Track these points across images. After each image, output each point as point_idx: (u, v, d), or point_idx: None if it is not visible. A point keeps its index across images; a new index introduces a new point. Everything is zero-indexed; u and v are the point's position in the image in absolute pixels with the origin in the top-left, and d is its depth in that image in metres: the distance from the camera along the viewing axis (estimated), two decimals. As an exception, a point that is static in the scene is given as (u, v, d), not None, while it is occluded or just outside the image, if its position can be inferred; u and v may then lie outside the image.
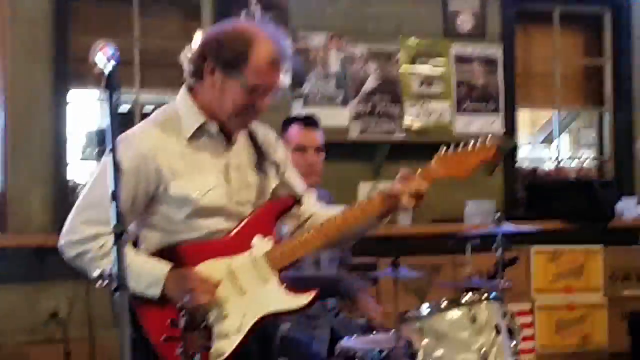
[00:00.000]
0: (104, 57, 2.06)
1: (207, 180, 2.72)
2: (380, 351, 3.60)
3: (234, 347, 2.67)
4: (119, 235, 1.89)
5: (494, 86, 6.02)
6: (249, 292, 2.72)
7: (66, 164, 5.12)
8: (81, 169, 5.76)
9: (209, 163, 2.75)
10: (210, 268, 2.71)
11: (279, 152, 2.97)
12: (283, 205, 2.88)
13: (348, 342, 3.75)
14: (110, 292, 1.87)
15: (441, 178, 2.88)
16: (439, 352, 3.34)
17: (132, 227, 2.79)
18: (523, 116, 7.89)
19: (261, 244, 2.77)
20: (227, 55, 2.66)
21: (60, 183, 5.05)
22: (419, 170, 2.84)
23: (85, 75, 5.20)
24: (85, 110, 5.72)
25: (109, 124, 2.00)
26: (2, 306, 4.77)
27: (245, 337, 2.69)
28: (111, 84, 2.03)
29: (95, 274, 2.00)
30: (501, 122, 6.02)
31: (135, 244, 2.79)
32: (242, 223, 2.79)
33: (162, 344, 2.51)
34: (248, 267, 2.75)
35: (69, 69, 5.10)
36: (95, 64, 2.10)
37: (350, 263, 4.26)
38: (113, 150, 1.97)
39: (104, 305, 2.22)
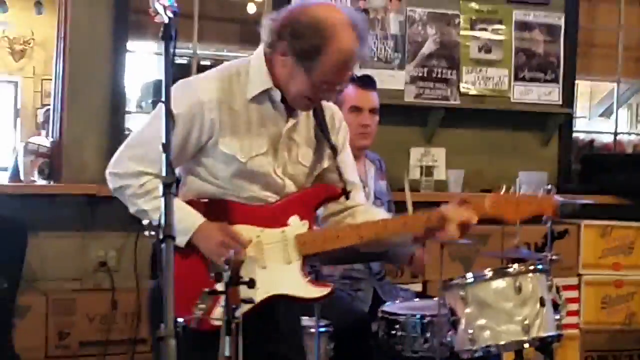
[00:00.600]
0: (161, 7, 2.06)
1: (256, 145, 2.71)
2: (422, 317, 3.60)
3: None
4: (168, 185, 1.89)
5: (554, 55, 5.91)
6: (269, 268, 2.71)
7: (123, 114, 5.14)
8: (137, 120, 5.81)
9: (264, 129, 2.73)
10: (240, 232, 2.71)
11: (340, 135, 2.93)
12: (330, 193, 2.85)
13: (390, 306, 3.76)
14: (155, 243, 1.87)
15: (490, 217, 2.82)
16: (481, 321, 3.34)
17: (177, 171, 2.79)
18: (583, 88, 7.79)
19: (296, 225, 2.76)
20: (300, 46, 2.61)
21: (116, 133, 5.07)
22: (472, 202, 2.78)
23: (145, 27, 5.23)
24: (143, 62, 5.76)
25: (165, 74, 2.01)
26: (52, 253, 4.83)
27: (250, 310, 2.67)
28: (168, 34, 2.03)
29: (144, 220, 2.00)
30: (559, 93, 5.93)
31: (176, 187, 2.77)
32: (284, 199, 2.78)
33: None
34: (276, 244, 2.74)
35: (129, 20, 5.11)
36: (154, 14, 2.09)
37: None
38: (166, 101, 1.97)
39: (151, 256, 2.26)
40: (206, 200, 2.74)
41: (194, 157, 2.73)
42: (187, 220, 2.66)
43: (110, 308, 4.76)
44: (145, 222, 1.95)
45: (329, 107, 2.89)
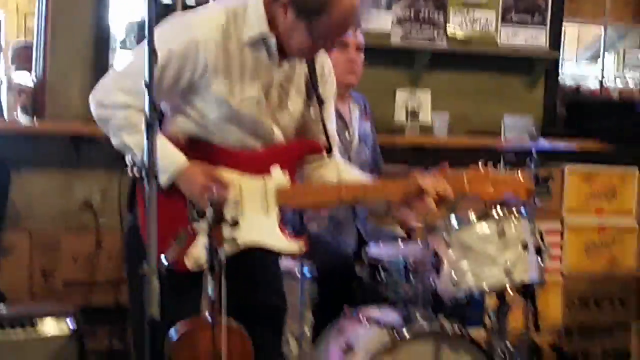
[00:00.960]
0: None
1: (247, 90, 2.69)
2: (406, 260, 3.62)
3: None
4: (151, 125, 1.88)
5: (542, -2, 5.88)
6: (246, 217, 2.68)
7: (107, 51, 5.08)
8: (121, 59, 5.75)
9: (256, 74, 2.71)
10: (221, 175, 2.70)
11: (328, 87, 2.92)
12: (313, 148, 2.86)
13: (374, 249, 3.77)
14: (133, 178, 1.86)
15: (465, 194, 2.88)
16: (464, 264, 3.36)
17: (165, 106, 2.78)
18: (569, 31, 7.75)
19: (278, 176, 2.75)
20: (304, 4, 2.58)
21: (101, 70, 4.99)
22: (451, 178, 2.81)
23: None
24: (129, 1, 5.67)
25: (147, 12, 1.98)
26: (36, 192, 4.81)
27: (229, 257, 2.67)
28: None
29: (127, 158, 1.98)
30: (546, 36, 5.89)
31: (160, 122, 2.75)
32: (269, 148, 2.77)
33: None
34: (256, 193, 2.73)
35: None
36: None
37: (382, 170, 4.25)
38: (150, 41, 1.95)
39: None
40: (189, 138, 2.72)
41: (184, 95, 2.71)
42: (170, 160, 2.63)
43: (94, 248, 4.75)
44: (127, 158, 1.94)
45: (319, 55, 2.87)
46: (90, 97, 2.74)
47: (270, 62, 2.72)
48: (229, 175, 2.70)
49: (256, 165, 2.75)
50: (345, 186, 2.80)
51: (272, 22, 2.67)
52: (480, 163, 2.91)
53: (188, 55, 2.61)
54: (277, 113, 2.79)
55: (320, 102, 2.84)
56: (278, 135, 2.80)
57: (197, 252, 2.58)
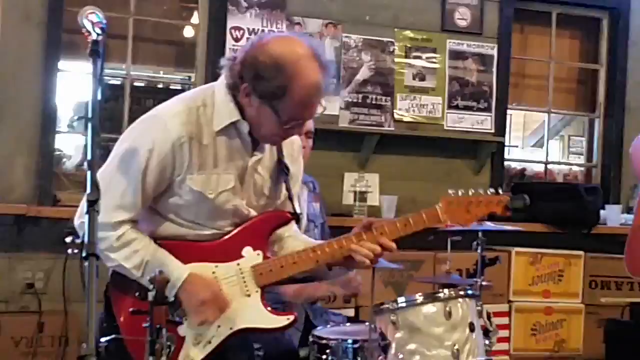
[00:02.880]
0: (90, 23, 2.03)
1: (223, 181, 2.68)
2: (354, 342, 3.58)
3: (202, 357, 2.65)
4: (93, 202, 1.86)
5: (487, 84, 6.00)
6: (229, 303, 2.69)
7: (53, 134, 5.07)
8: (68, 141, 5.72)
9: (231, 163, 2.70)
10: (194, 271, 2.68)
11: (296, 167, 2.93)
12: (281, 219, 2.84)
13: (322, 331, 3.73)
14: (80, 260, 1.84)
15: (443, 223, 2.87)
16: (412, 346, 3.32)
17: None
18: (516, 118, 7.90)
19: (250, 256, 2.74)
20: (263, 88, 2.55)
21: (46, 153, 5.00)
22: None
23: (78, 46, 5.17)
24: (75, 82, 5.68)
25: (92, 91, 1.98)
26: (-22, 274, 4.74)
27: (216, 349, 2.66)
28: (96, 51, 2.01)
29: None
30: (492, 122, 6.00)
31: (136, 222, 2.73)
32: (235, 231, 2.76)
33: (128, 320, 2.50)
34: (232, 278, 2.72)
35: (62, 38, 5.05)
36: (87, 33, 2.07)
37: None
38: (92, 118, 1.94)
39: (79, 278, 2.18)
40: (161, 239, 2.70)
41: (159, 197, 2.69)
42: (173, 274, 2.60)
43: (36, 331, 4.65)
44: (67, 239, 1.91)
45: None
46: (75, 224, 2.68)
47: (242, 148, 2.70)
48: (202, 267, 2.69)
49: (227, 250, 2.73)
50: (320, 247, 2.77)
51: (241, 110, 2.65)
52: (450, 191, 2.88)
53: (166, 154, 2.59)
54: (252, 198, 2.78)
55: (287, 172, 2.84)
56: (253, 215, 2.79)
57: (187, 350, 2.62)
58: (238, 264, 2.72)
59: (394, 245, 2.77)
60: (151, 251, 2.63)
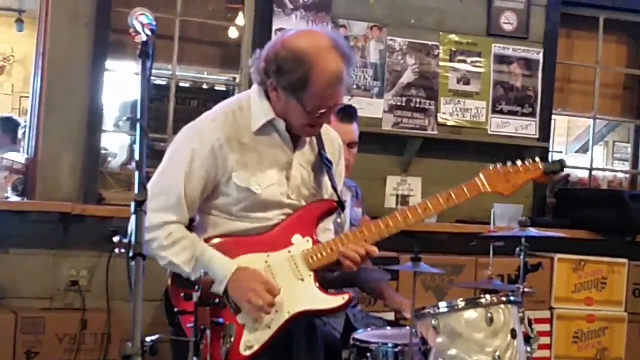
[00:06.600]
0: (139, 24, 2.06)
1: (269, 175, 2.77)
2: (395, 346, 3.58)
3: (263, 341, 2.72)
4: (140, 203, 1.88)
5: (532, 89, 5.96)
6: (283, 289, 2.75)
7: (99, 133, 5.11)
8: (113, 140, 5.78)
9: (273, 159, 2.79)
10: (248, 262, 2.76)
11: (340, 166, 3.05)
12: (325, 207, 2.92)
13: (362, 334, 3.74)
14: (127, 260, 1.86)
15: (486, 193, 3.00)
16: (452, 351, 3.31)
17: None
18: (560, 123, 7.84)
19: (300, 243, 2.82)
20: (287, 81, 2.66)
21: (92, 151, 5.05)
22: (464, 186, 2.96)
23: (125, 46, 5.22)
24: (122, 82, 5.74)
25: (141, 91, 2.00)
26: (22, 271, 4.79)
27: (276, 332, 2.71)
28: (145, 51, 2.03)
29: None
30: (536, 127, 5.96)
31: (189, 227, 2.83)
32: (284, 222, 2.83)
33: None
34: (285, 265, 2.80)
35: (109, 38, 5.10)
36: (134, 33, 2.09)
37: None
38: (141, 118, 1.96)
39: (124, 277, 2.18)
40: (213, 237, 2.79)
41: (208, 200, 2.79)
42: (222, 269, 2.71)
43: (79, 328, 4.69)
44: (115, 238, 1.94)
45: (329, 132, 3.00)
46: None
47: (283, 144, 2.80)
48: (255, 258, 2.77)
49: (277, 240, 2.81)
50: (367, 227, 2.86)
51: (275, 108, 2.75)
52: (490, 166, 3.01)
53: (209, 158, 2.71)
54: (300, 189, 2.87)
55: (329, 164, 2.91)
56: (302, 205, 2.88)
57: (247, 336, 2.71)
58: (289, 251, 2.81)
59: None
60: (200, 248, 2.72)
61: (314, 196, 2.91)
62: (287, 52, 2.65)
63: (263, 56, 2.72)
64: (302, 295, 2.77)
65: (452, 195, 2.95)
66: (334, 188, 2.93)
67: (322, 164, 2.91)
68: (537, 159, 3.03)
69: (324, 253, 2.81)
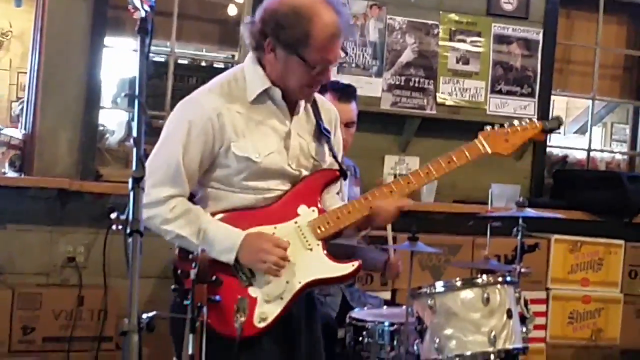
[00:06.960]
0: (138, 1, 2.04)
1: (268, 144, 2.77)
2: (391, 325, 3.60)
3: (277, 313, 2.74)
4: (138, 180, 1.87)
5: (532, 70, 5.94)
6: (292, 259, 2.76)
7: (97, 109, 5.09)
8: (111, 116, 5.77)
9: (271, 128, 2.79)
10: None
11: (337, 135, 3.04)
12: (328, 177, 2.93)
13: (359, 313, 3.75)
14: (124, 237, 1.86)
15: (486, 155, 2.99)
16: (448, 331, 3.33)
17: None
18: (559, 104, 7.82)
19: (306, 213, 2.83)
20: (286, 37, 2.66)
21: (90, 128, 5.04)
22: (467, 147, 2.97)
23: (124, 23, 5.20)
24: (120, 58, 5.71)
25: (139, 67, 1.99)
26: (20, 247, 4.79)
27: (288, 303, 2.72)
28: (144, 29, 2.02)
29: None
30: (535, 107, 5.95)
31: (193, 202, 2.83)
32: (288, 193, 2.84)
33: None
34: (292, 236, 2.80)
35: (108, 15, 5.07)
36: (133, 10, 2.08)
37: (368, 234, 4.24)
38: (139, 95, 1.95)
39: (121, 254, 2.18)
40: (217, 213, 2.79)
41: (206, 173, 2.79)
42: (231, 238, 2.72)
43: (76, 304, 4.70)
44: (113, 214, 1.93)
45: (324, 101, 3.02)
46: None
47: (279, 113, 2.80)
48: (263, 231, 2.78)
49: (283, 212, 2.82)
50: (372, 194, 2.90)
51: (270, 76, 2.76)
52: (487, 127, 3.02)
53: (206, 129, 2.70)
54: (300, 159, 2.87)
55: (328, 134, 2.93)
56: (305, 175, 2.88)
57: (261, 309, 2.72)
58: (295, 222, 2.82)
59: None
60: (206, 220, 2.73)
61: (314, 166, 2.91)
62: (284, 8, 2.66)
63: (258, 17, 2.73)
64: (313, 264, 2.79)
65: (454, 157, 2.96)
66: (334, 157, 2.94)
67: (320, 134, 2.92)
68: (533, 118, 3.09)
69: (330, 222, 2.83)
